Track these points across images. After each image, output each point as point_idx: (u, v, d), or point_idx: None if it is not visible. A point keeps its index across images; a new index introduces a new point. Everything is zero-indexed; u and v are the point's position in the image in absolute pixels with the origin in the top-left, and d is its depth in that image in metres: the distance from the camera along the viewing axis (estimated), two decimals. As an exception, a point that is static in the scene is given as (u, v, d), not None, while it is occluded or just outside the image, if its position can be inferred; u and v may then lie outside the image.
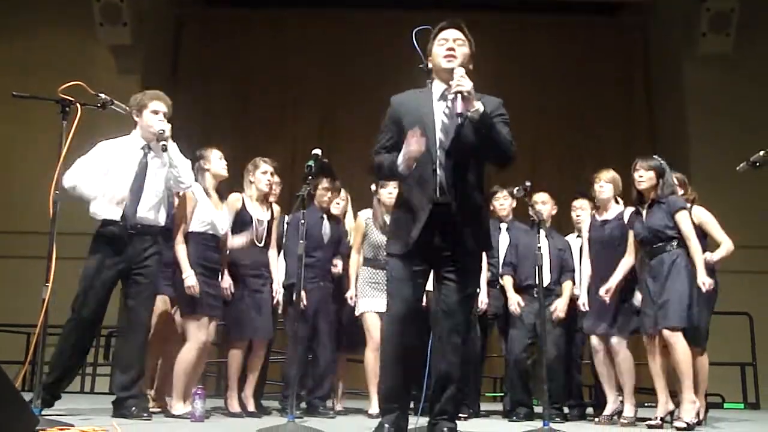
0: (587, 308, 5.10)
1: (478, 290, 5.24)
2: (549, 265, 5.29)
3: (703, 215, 4.87)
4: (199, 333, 4.49)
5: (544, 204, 5.49)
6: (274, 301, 4.97)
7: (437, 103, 3.22)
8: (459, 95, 3.01)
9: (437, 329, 3.23)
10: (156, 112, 4.31)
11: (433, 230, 3.09)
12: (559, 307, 5.31)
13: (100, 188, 4.21)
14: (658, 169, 4.68)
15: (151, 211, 4.28)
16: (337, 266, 5.32)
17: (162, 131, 4.23)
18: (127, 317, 4.27)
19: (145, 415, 4.06)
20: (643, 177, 4.69)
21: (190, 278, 4.40)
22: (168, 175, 4.33)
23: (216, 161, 4.75)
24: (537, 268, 3.93)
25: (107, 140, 4.36)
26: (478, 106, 3.03)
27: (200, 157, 4.74)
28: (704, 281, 4.40)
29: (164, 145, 4.21)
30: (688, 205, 4.69)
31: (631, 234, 4.83)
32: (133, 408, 4.07)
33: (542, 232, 3.87)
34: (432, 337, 3.48)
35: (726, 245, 4.77)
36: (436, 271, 3.22)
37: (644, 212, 4.69)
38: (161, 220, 4.38)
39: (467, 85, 3.02)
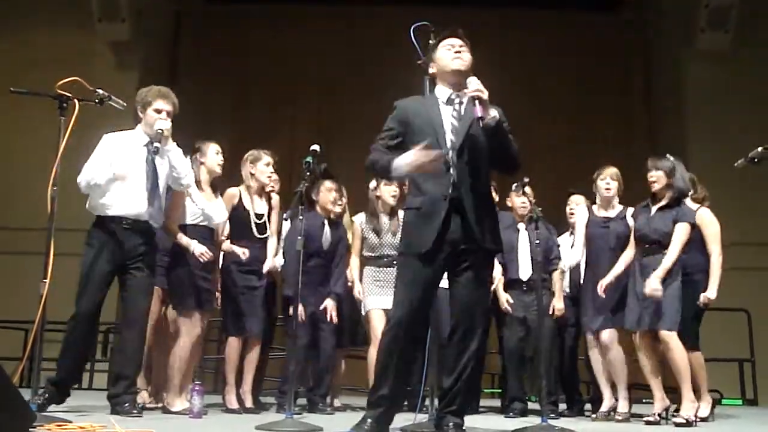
0: (584, 306, 5.10)
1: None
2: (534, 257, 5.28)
3: (706, 218, 4.86)
4: (192, 328, 4.50)
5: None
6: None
7: (444, 106, 3.31)
8: (477, 101, 3.10)
9: (452, 327, 3.25)
10: (159, 111, 4.28)
11: (448, 226, 3.15)
12: (557, 306, 5.33)
13: (107, 177, 4.17)
14: (667, 169, 4.67)
15: (158, 209, 4.30)
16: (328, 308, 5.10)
17: (160, 131, 4.23)
18: (124, 313, 4.25)
19: (135, 411, 4.02)
20: (653, 177, 4.69)
21: (197, 247, 4.43)
22: (168, 175, 4.33)
23: (212, 156, 4.74)
24: (532, 263, 3.93)
25: (112, 133, 4.33)
26: (494, 113, 3.13)
27: (197, 150, 4.74)
28: (653, 286, 4.41)
29: (156, 147, 4.24)
30: (693, 221, 4.67)
31: (632, 226, 4.83)
32: (126, 404, 4.04)
33: (528, 226, 3.89)
34: (430, 331, 3.51)
35: (715, 261, 4.77)
36: (451, 271, 3.25)
37: (653, 210, 4.69)
38: (161, 216, 4.39)
39: (485, 92, 3.11)
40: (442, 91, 3.36)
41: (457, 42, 3.33)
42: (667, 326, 4.42)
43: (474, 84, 3.13)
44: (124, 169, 4.20)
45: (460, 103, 3.30)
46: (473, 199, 3.18)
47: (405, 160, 3.10)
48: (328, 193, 5.21)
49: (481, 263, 3.22)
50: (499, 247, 3.32)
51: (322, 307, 5.06)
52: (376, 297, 5.10)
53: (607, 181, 5.11)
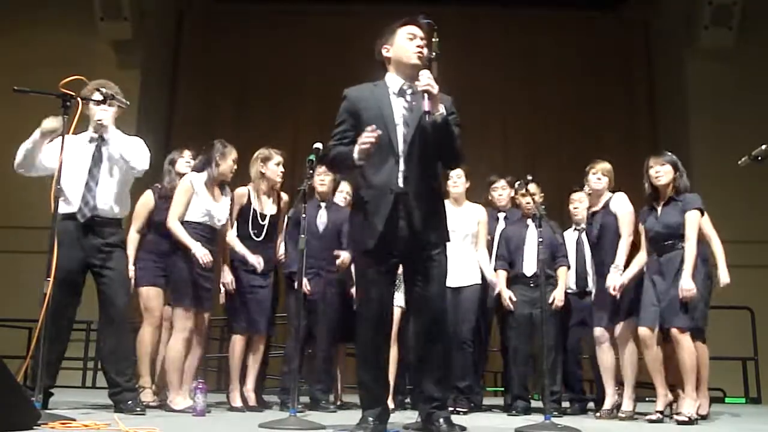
0: (595, 303, 5.10)
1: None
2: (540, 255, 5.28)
3: None
4: (185, 323, 4.48)
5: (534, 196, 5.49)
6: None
7: (395, 98, 3.25)
8: (427, 95, 3.05)
9: (414, 325, 3.28)
10: (97, 103, 4.19)
11: (396, 220, 3.13)
12: (557, 297, 5.33)
13: (45, 163, 4.16)
14: (673, 163, 4.67)
15: (108, 203, 4.22)
16: (340, 257, 5.13)
17: (99, 121, 4.19)
18: (103, 312, 4.19)
19: (138, 409, 4.02)
20: (660, 172, 4.65)
21: (198, 250, 4.41)
22: (116, 164, 4.25)
23: (230, 162, 4.71)
24: (538, 261, 3.93)
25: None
26: (442, 109, 3.09)
27: (218, 149, 4.68)
28: (687, 287, 4.38)
29: (91, 137, 4.21)
30: (701, 206, 4.62)
31: (642, 229, 4.79)
32: (129, 401, 4.05)
33: (534, 224, 3.89)
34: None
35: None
36: (405, 266, 3.25)
37: (659, 209, 4.66)
38: (120, 211, 4.32)
39: (435, 87, 3.06)
40: (394, 81, 3.27)
41: (419, 33, 3.23)
42: (680, 324, 4.39)
43: (425, 78, 3.05)
44: (71, 168, 4.08)
45: (412, 94, 3.21)
46: (422, 193, 3.14)
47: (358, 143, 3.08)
48: (317, 176, 5.18)
49: (430, 259, 3.16)
50: (445, 240, 3.26)
51: (338, 261, 5.09)
52: None
53: (599, 175, 5.12)
